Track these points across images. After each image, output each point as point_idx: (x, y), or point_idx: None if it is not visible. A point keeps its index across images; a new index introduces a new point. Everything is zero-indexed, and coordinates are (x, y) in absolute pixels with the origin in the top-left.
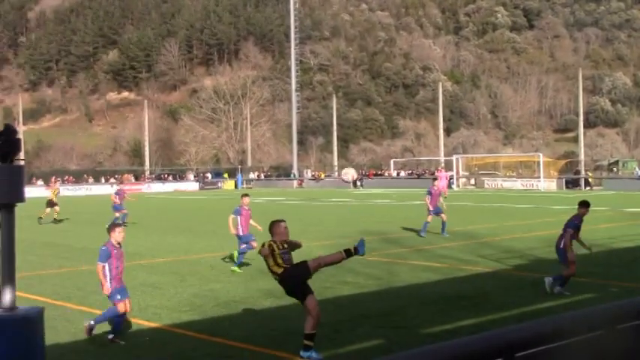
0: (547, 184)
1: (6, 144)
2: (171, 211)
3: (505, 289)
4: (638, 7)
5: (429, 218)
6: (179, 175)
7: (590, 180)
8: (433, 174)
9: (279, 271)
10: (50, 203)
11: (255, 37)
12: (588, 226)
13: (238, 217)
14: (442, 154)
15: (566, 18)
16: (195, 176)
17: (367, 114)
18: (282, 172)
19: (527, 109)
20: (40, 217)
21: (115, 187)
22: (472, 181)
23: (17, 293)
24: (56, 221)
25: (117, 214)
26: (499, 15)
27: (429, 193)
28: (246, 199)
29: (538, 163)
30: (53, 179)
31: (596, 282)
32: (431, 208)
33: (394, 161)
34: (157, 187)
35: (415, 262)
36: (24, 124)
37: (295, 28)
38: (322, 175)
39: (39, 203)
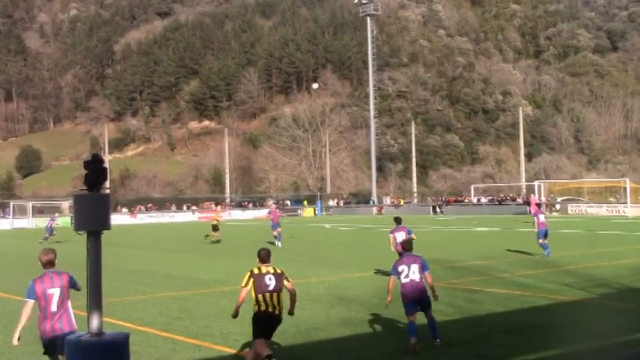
0: (635, 209)
1: (93, 173)
2: (252, 238)
3: (592, 318)
4: None
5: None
6: (259, 203)
7: None
8: (514, 200)
9: None
10: (215, 227)
11: (333, 65)
12: None
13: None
14: (523, 179)
15: None
16: (274, 203)
17: (446, 140)
18: (361, 198)
19: (612, 133)
20: (207, 235)
21: (271, 207)
22: (555, 207)
23: (103, 319)
24: (215, 242)
25: (274, 233)
26: (581, 37)
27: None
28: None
29: (624, 188)
30: (217, 206)
31: None
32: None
33: (474, 187)
34: (238, 215)
35: (497, 290)
36: (109, 153)
37: (373, 55)
38: (402, 202)
39: (123, 230)
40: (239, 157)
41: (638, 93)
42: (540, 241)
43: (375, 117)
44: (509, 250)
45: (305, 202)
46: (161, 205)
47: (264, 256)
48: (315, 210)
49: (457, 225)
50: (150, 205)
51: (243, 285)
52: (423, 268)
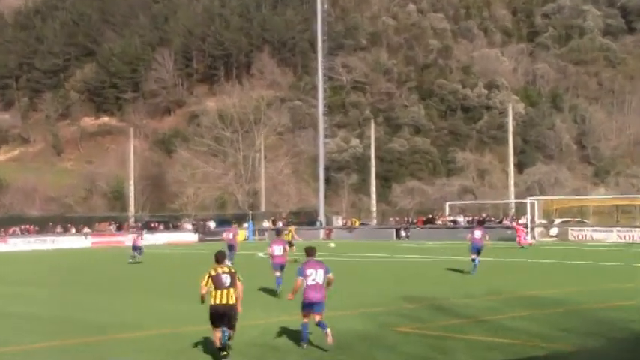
0: None
1: None
2: (163, 269)
3: None
4: None
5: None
6: (173, 224)
7: None
8: (501, 222)
9: None
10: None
11: (271, 47)
12: None
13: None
14: (512, 196)
15: None
16: (193, 224)
17: (415, 144)
18: (304, 219)
19: (626, 138)
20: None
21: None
22: (552, 232)
23: None
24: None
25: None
26: (588, 16)
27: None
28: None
29: None
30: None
31: None
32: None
33: (450, 205)
34: (145, 239)
35: (475, 337)
36: None
37: (323, 35)
38: (357, 224)
39: None
40: (147, 164)
41: None
42: (472, 256)
43: (324, 114)
44: (449, 269)
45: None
46: (42, 226)
47: (219, 258)
48: (245, 233)
49: (427, 253)
50: (27, 226)
51: (203, 284)
52: (326, 272)
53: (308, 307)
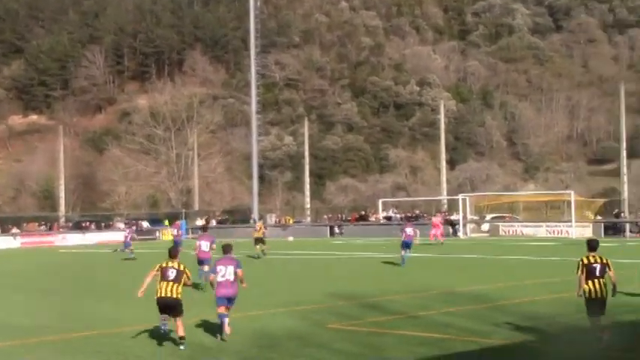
0: (580, 230)
1: None
2: (94, 270)
3: None
4: None
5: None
6: (104, 223)
7: None
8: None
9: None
10: (259, 241)
11: (203, 45)
12: None
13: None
14: (445, 192)
15: (603, 17)
16: (125, 224)
17: (348, 142)
18: (238, 217)
19: (554, 135)
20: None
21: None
22: (483, 227)
23: None
24: (264, 255)
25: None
26: (517, 14)
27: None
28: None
29: (568, 203)
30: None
31: None
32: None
33: (383, 202)
34: (75, 239)
35: (407, 333)
36: None
37: (256, 32)
38: (290, 221)
39: None
40: (78, 163)
41: (586, 85)
42: (403, 252)
43: (257, 112)
44: (381, 266)
45: (166, 223)
46: None
47: (172, 253)
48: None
49: (360, 250)
50: None
51: (154, 270)
52: (236, 267)
53: (219, 300)
